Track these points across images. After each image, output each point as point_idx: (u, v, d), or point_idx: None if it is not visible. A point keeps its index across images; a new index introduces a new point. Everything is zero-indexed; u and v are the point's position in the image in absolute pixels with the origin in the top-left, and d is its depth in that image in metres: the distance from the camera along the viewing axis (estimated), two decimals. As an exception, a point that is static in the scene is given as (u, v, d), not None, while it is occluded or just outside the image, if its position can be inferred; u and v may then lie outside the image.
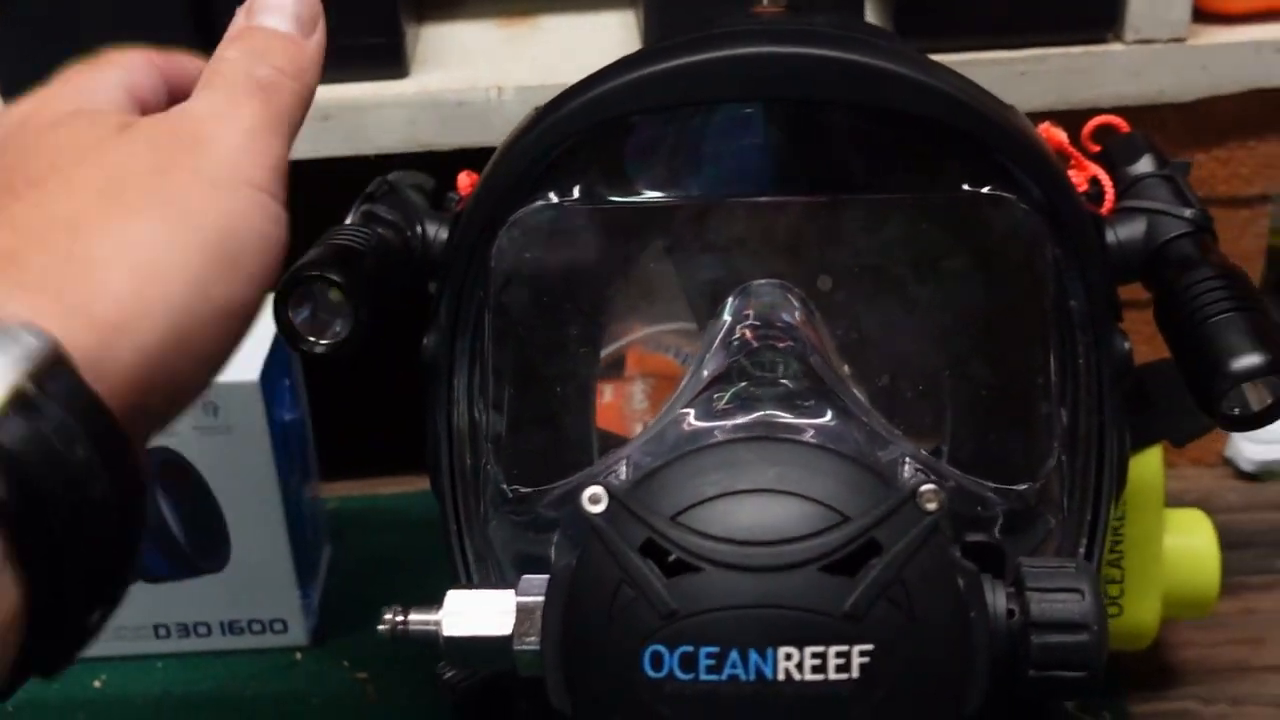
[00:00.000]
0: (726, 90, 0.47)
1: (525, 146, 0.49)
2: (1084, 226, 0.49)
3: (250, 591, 0.64)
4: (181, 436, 0.60)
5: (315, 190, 0.65)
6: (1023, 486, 0.48)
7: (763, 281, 0.49)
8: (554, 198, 0.49)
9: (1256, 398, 0.44)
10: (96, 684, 0.65)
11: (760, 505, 0.39)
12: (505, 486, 0.49)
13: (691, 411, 0.46)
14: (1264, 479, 0.77)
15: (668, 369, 0.59)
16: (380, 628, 0.42)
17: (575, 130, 0.48)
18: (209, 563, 0.63)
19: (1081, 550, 0.49)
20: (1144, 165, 0.53)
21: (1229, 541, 0.73)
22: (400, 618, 0.42)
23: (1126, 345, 0.50)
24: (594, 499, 0.40)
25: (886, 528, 0.38)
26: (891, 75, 0.46)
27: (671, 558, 0.38)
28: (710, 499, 0.39)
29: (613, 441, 0.52)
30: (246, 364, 0.60)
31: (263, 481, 0.62)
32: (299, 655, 0.66)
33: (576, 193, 0.49)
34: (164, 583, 0.64)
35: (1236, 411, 0.44)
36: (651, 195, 0.50)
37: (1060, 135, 0.53)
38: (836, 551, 0.38)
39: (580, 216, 0.50)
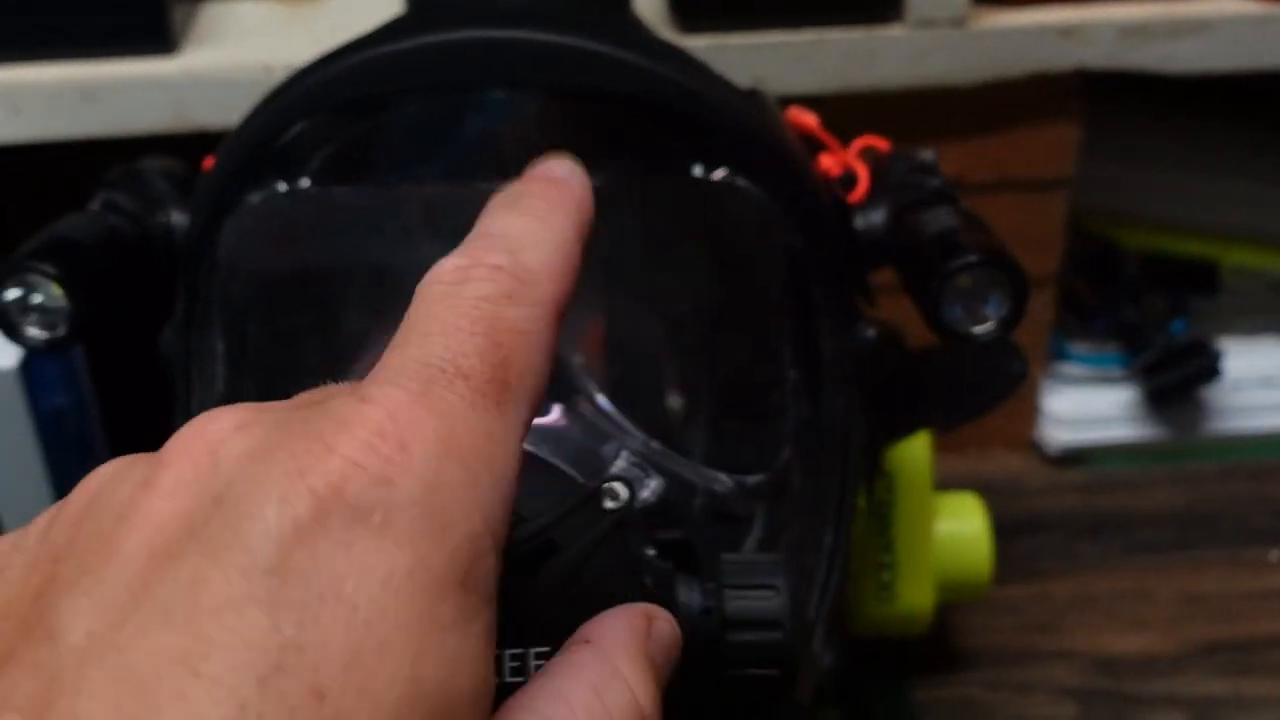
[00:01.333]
0: (440, 75, 0.46)
1: (254, 129, 0.48)
2: (823, 211, 0.48)
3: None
4: (-66, 425, 0.59)
5: (78, 172, 0.64)
6: (759, 478, 0.48)
7: None
8: (283, 185, 0.48)
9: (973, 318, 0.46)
10: None
11: None
12: None
13: None
14: (1070, 464, 0.77)
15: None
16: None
17: (301, 114, 0.47)
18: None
19: (828, 540, 0.49)
20: (901, 167, 0.52)
21: (1030, 525, 0.74)
22: None
23: (870, 333, 0.50)
24: None
25: (569, 528, 0.38)
26: (610, 59, 0.46)
27: None
28: None
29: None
30: (2, 350, 0.59)
31: (29, 473, 0.60)
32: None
33: (306, 178, 0.48)
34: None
35: (960, 326, 0.45)
36: (380, 181, 0.49)
37: (809, 119, 0.53)
38: (513, 550, 0.37)
39: (309, 202, 0.49)
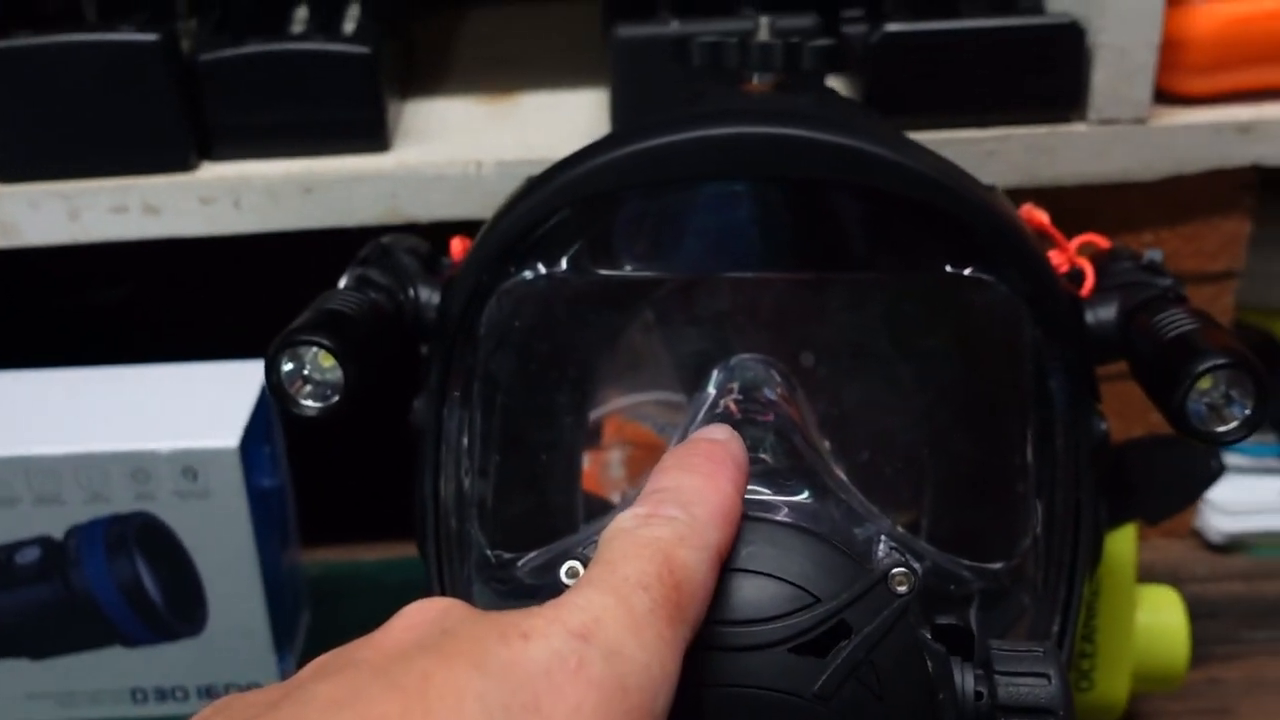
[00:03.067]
0: (713, 168, 0.48)
1: (515, 218, 0.50)
2: (1062, 307, 0.50)
3: (227, 656, 0.65)
4: (160, 501, 0.61)
5: (300, 262, 0.67)
6: (998, 565, 0.49)
7: (746, 356, 0.50)
8: (542, 268, 0.50)
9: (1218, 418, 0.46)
10: (72, 748, 0.65)
11: (732, 585, 0.40)
12: (489, 552, 0.50)
13: None
14: (1231, 551, 0.78)
15: (646, 439, 0.61)
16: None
17: (563, 203, 0.49)
18: (186, 627, 0.64)
19: (1056, 628, 0.50)
20: (1123, 264, 0.54)
21: (1196, 612, 0.74)
22: None
23: (1104, 426, 0.51)
24: (570, 573, 0.40)
25: (857, 609, 0.39)
26: (876, 158, 0.47)
27: None
28: None
29: (596, 508, 0.53)
30: (225, 430, 0.61)
31: (240, 547, 0.63)
32: (274, 720, 0.66)
33: (564, 264, 0.50)
34: (141, 647, 0.64)
35: (1205, 426, 0.46)
36: (637, 269, 0.51)
37: (1042, 216, 0.54)
38: (807, 633, 0.38)
39: (567, 287, 0.51)
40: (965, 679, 0.41)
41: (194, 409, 0.63)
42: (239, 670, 0.65)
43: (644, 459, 0.60)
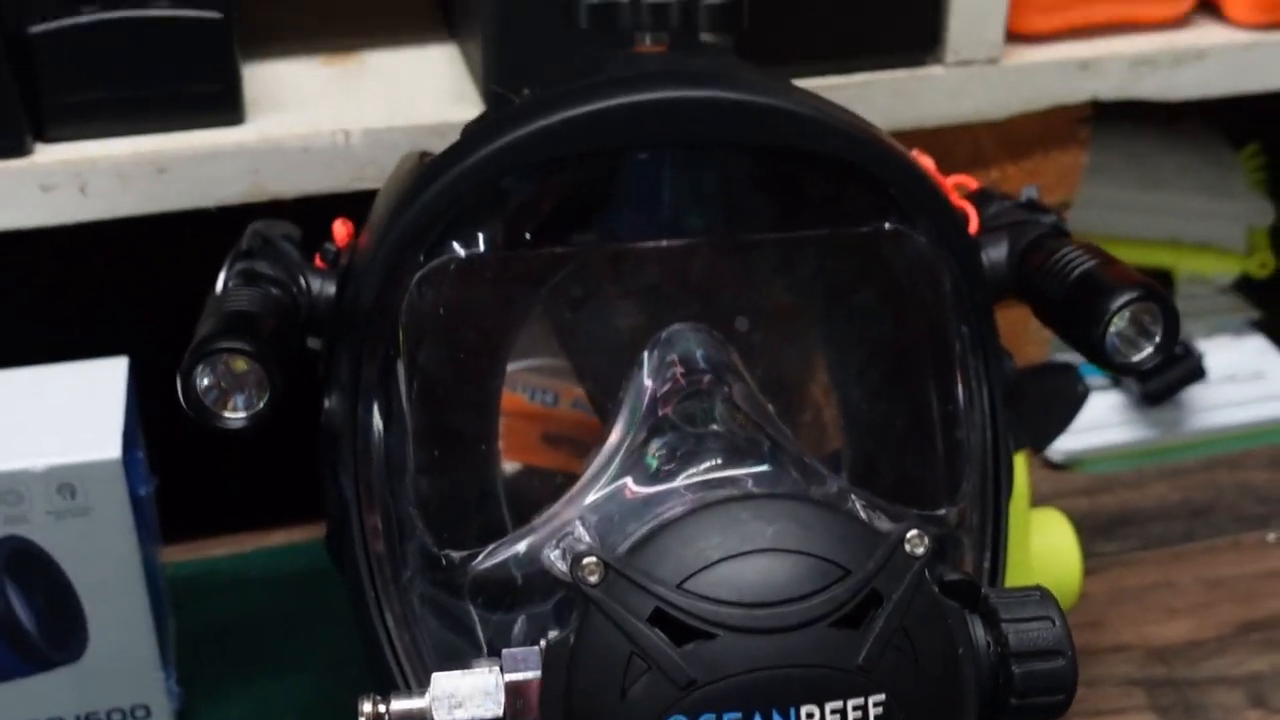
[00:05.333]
0: (644, 135, 0.47)
1: (428, 200, 0.47)
2: (974, 254, 0.51)
3: (110, 680, 0.60)
4: (33, 523, 0.56)
5: (155, 246, 0.62)
6: (943, 511, 0.50)
7: (681, 325, 0.49)
8: (459, 249, 0.48)
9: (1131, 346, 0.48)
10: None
11: (764, 565, 0.39)
12: (437, 551, 0.48)
13: (634, 470, 0.46)
14: (1069, 468, 0.82)
15: (518, 407, 0.59)
16: (360, 720, 0.40)
17: (481, 181, 0.47)
18: (64, 655, 0.59)
19: (987, 564, 0.52)
20: (998, 204, 0.55)
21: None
22: (381, 708, 0.40)
23: (1012, 363, 0.52)
24: (590, 569, 0.39)
25: (884, 577, 0.39)
26: (806, 119, 0.47)
27: (681, 625, 0.38)
28: (714, 563, 0.39)
29: (524, 494, 0.52)
30: (102, 439, 0.56)
31: (124, 564, 0.58)
32: (164, 740, 0.62)
33: (482, 243, 0.48)
34: (13, 681, 0.59)
35: (1121, 357, 0.48)
36: (561, 243, 0.50)
37: (929, 161, 0.55)
38: (844, 606, 0.39)
39: (490, 268, 0.49)
40: (977, 631, 0.42)
41: (61, 418, 0.57)
42: (124, 693, 0.60)
43: (520, 429, 0.59)
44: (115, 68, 0.59)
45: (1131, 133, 0.86)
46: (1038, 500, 0.80)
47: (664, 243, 0.50)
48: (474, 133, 0.49)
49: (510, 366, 0.54)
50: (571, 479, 0.48)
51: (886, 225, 0.50)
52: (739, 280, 0.51)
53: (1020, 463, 0.62)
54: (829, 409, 0.53)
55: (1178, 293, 0.86)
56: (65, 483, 0.56)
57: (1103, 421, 0.81)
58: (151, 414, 0.60)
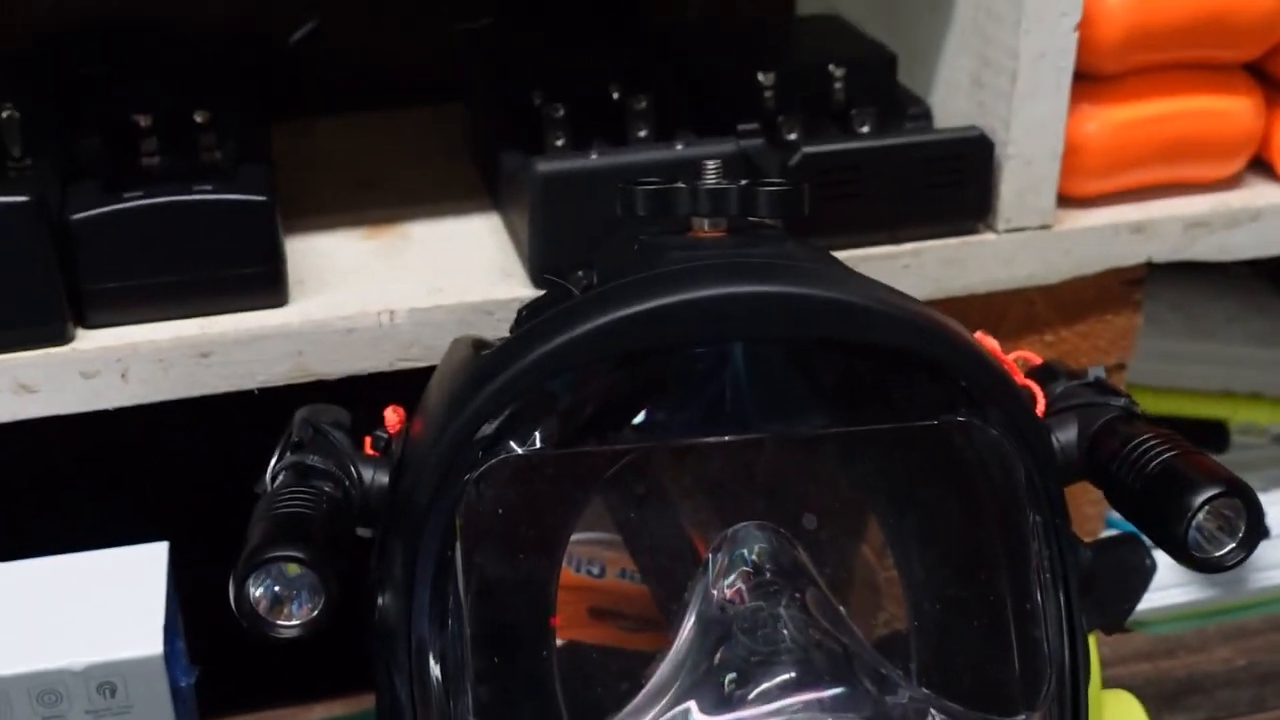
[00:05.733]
0: (705, 332, 0.46)
1: (484, 401, 0.46)
2: (1045, 442, 0.49)
3: None
4: (71, 725, 0.54)
5: (196, 425, 0.61)
6: (1023, 717, 0.48)
7: (747, 524, 0.48)
8: (516, 448, 0.47)
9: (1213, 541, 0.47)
10: None
11: None
12: None
13: (702, 690, 0.44)
14: (1132, 630, 0.79)
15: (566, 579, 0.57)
16: None
17: (541, 379, 0.46)
18: None
19: None
20: (1064, 382, 0.54)
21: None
22: None
23: (1087, 552, 0.51)
24: None
25: None
26: (870, 311, 0.46)
27: None
28: None
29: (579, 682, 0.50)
30: (144, 633, 0.54)
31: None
32: None
33: (539, 440, 0.47)
34: None
35: (1203, 553, 0.47)
36: (622, 439, 0.48)
37: (993, 343, 0.54)
38: None
39: (550, 467, 0.48)
40: None
41: (100, 609, 0.56)
42: None
43: (567, 602, 0.57)
44: (158, 252, 0.58)
45: (1179, 283, 0.85)
46: (1102, 666, 0.78)
47: (727, 438, 0.49)
48: (529, 329, 0.48)
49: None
50: (621, 657, 0.46)
51: (957, 417, 0.48)
52: (805, 476, 0.50)
53: (1091, 645, 0.60)
54: (899, 604, 0.51)
55: (1232, 444, 0.84)
56: (106, 681, 0.54)
57: (1162, 581, 0.79)
58: (186, 591, 0.59)
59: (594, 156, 0.60)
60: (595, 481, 0.49)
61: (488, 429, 0.46)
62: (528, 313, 0.53)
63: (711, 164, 0.54)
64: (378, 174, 0.73)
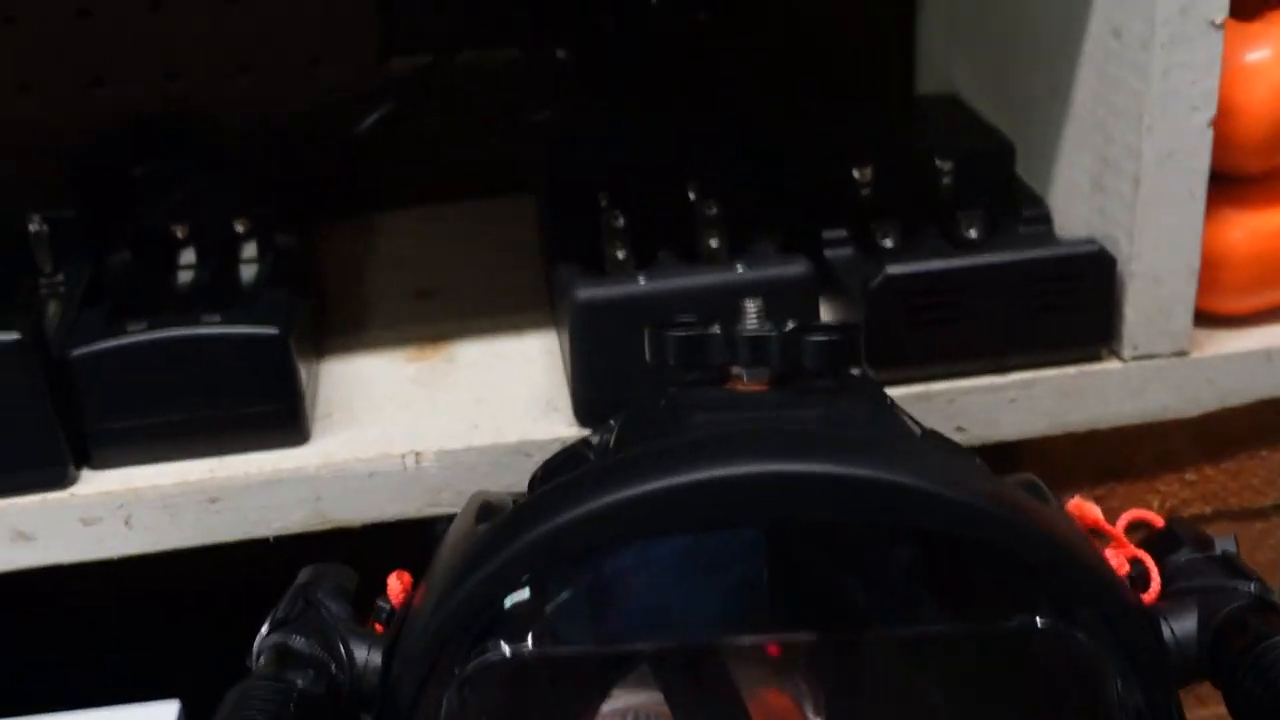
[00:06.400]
0: (725, 514, 0.39)
1: (477, 581, 0.40)
2: (1148, 646, 0.41)
3: None
4: None
5: (206, 574, 0.56)
6: None
7: None
8: (505, 648, 0.40)
9: None
10: None
11: None
12: None
13: None
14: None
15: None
16: None
17: (537, 563, 0.39)
18: None
19: None
20: (1187, 552, 0.45)
21: None
22: None
23: None
24: None
25: None
26: (924, 494, 0.39)
27: None
28: None
29: None
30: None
31: None
32: None
33: (532, 639, 0.40)
34: None
35: None
36: (630, 638, 0.41)
37: (1094, 512, 0.46)
38: None
39: (543, 668, 0.42)
40: None
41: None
42: None
43: None
44: (163, 389, 0.53)
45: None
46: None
47: (757, 638, 0.41)
48: (522, 507, 0.42)
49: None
50: None
51: (1038, 620, 0.40)
52: (857, 683, 0.43)
53: None
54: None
55: None
56: None
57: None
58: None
59: (641, 281, 0.54)
60: (601, 691, 0.43)
61: (476, 622, 0.40)
62: (541, 474, 0.47)
63: (752, 305, 0.47)
64: (438, 279, 0.68)
